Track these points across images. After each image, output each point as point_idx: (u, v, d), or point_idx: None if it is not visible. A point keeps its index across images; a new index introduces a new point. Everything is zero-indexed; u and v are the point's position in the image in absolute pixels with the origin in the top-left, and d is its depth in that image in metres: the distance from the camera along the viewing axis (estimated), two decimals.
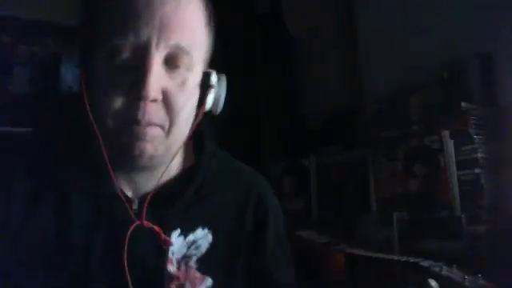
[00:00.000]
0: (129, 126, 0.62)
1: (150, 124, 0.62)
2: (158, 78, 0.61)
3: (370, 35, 1.87)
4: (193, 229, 0.72)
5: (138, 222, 0.66)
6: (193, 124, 0.69)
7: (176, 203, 0.70)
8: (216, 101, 0.71)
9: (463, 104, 1.39)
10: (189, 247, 0.71)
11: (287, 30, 2.27)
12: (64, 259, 0.65)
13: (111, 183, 0.66)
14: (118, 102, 0.61)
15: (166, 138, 0.65)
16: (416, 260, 1.06)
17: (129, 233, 0.65)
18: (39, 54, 2.16)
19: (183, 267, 0.70)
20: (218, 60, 0.73)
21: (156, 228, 0.67)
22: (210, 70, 0.71)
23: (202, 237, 0.72)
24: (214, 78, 0.70)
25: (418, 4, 1.66)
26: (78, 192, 0.67)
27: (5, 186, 0.66)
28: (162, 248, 0.68)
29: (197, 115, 0.69)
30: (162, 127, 0.64)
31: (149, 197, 0.67)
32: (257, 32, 2.38)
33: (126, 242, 0.64)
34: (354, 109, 1.85)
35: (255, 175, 0.82)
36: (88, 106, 0.63)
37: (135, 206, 0.68)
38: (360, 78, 1.92)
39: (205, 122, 0.72)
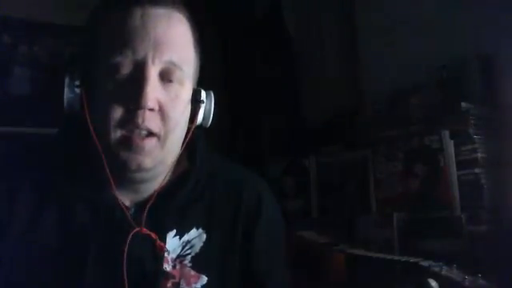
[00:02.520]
0: (128, 137, 0.66)
1: (149, 130, 0.67)
2: (154, 90, 0.67)
3: (370, 35, 1.87)
4: (187, 229, 0.76)
5: (137, 229, 0.70)
6: (185, 137, 0.75)
7: (170, 206, 0.74)
8: (206, 115, 0.77)
9: (463, 104, 1.39)
10: (183, 247, 0.75)
11: (287, 30, 2.26)
12: (64, 261, 0.69)
13: (111, 193, 0.70)
14: (119, 112, 0.66)
15: (162, 149, 0.69)
16: (416, 260, 1.07)
17: (129, 238, 0.69)
18: (39, 53, 2.17)
19: (178, 266, 0.74)
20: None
21: (153, 235, 0.71)
22: (200, 88, 0.77)
23: (196, 236, 0.76)
24: (203, 94, 0.76)
25: (418, 4, 1.66)
26: (80, 201, 0.71)
27: (11, 192, 0.71)
28: (158, 252, 0.72)
29: (189, 129, 0.75)
30: (158, 137, 0.68)
31: (147, 206, 0.72)
32: (257, 32, 2.37)
33: (127, 246, 0.68)
34: (354, 109, 1.85)
35: (250, 176, 0.85)
36: (89, 120, 0.68)
37: (131, 213, 0.72)
38: (360, 78, 1.92)
39: (199, 129, 0.78)
